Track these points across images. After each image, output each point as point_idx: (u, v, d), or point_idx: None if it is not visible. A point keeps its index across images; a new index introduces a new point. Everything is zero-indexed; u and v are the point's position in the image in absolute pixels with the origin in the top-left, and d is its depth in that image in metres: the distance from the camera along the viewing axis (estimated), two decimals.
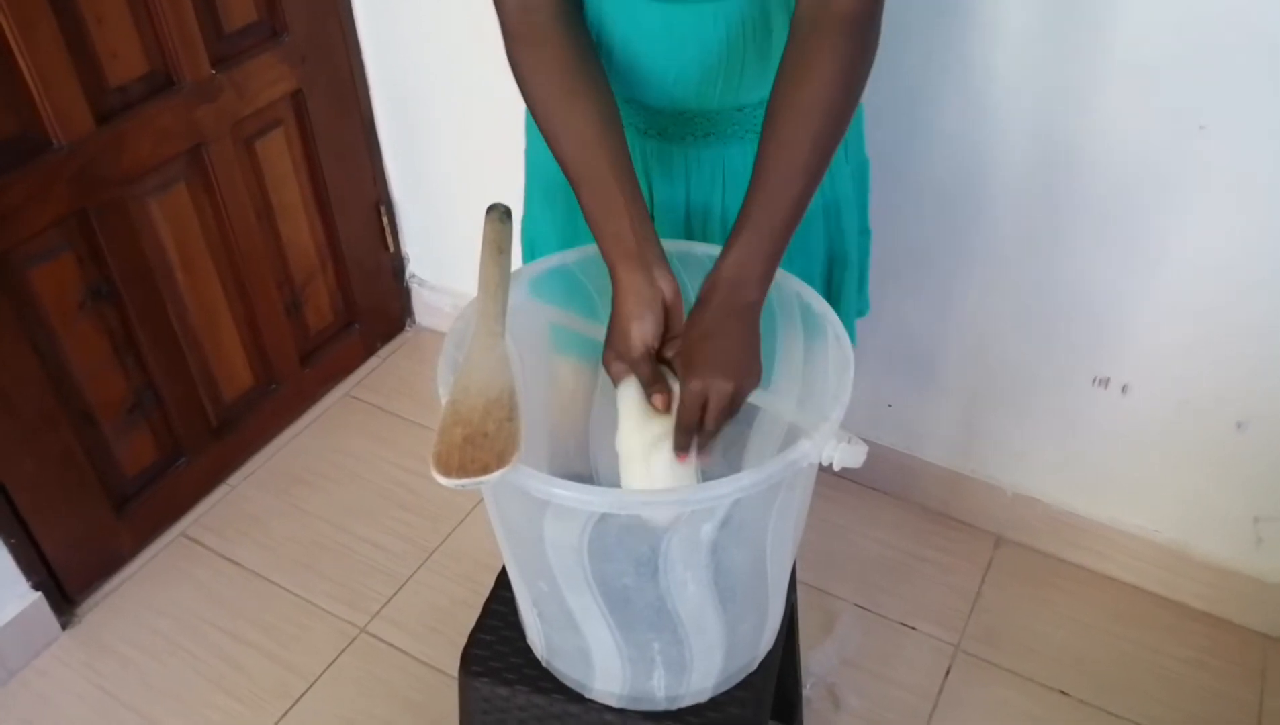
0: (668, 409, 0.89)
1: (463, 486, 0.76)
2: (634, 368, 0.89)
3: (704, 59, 0.96)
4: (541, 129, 0.93)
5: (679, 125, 1.03)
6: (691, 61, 0.97)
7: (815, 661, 1.58)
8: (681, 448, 0.87)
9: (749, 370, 0.86)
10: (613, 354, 0.91)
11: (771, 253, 0.86)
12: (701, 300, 0.87)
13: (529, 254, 1.22)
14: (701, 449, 0.88)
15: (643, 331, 0.88)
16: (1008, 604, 1.69)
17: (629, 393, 0.91)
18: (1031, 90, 1.36)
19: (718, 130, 1.03)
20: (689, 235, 1.10)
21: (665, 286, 0.89)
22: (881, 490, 1.87)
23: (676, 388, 0.89)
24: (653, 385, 0.89)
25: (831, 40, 0.84)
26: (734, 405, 0.86)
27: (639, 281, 0.88)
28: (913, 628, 1.66)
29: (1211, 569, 1.62)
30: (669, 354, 0.90)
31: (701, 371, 0.84)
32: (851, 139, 1.13)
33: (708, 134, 1.03)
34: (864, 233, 1.21)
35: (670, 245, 1.03)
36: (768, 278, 0.87)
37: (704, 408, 0.85)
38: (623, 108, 0.97)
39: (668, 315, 0.89)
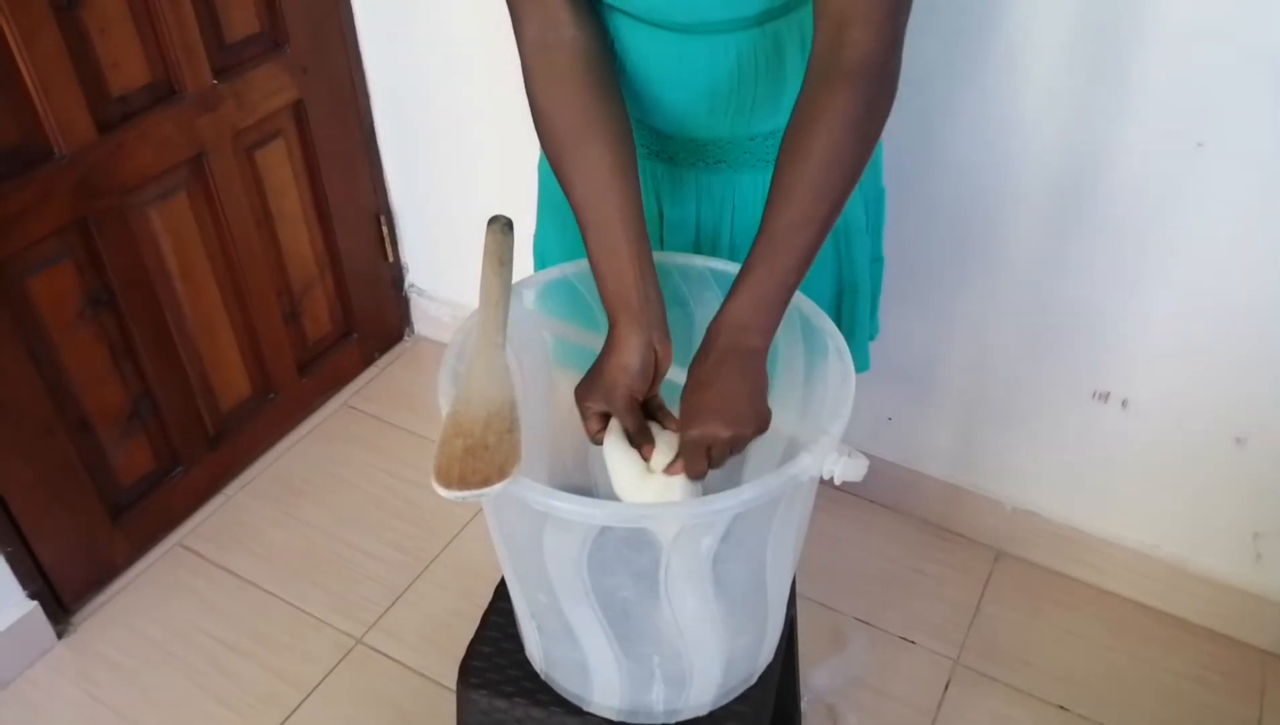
0: (649, 460, 0.90)
1: (463, 498, 0.75)
2: (619, 417, 0.90)
3: (714, 89, 0.95)
4: (554, 169, 0.92)
5: (689, 152, 1.03)
6: (702, 91, 0.95)
7: (814, 677, 1.58)
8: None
9: (749, 417, 0.85)
10: (597, 396, 0.90)
11: (777, 301, 0.85)
12: (704, 345, 0.86)
13: (540, 266, 1.21)
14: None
15: (631, 385, 0.89)
16: (1007, 618, 1.68)
17: (617, 450, 0.91)
18: (1036, 111, 1.36)
19: (729, 159, 1.02)
20: (698, 252, 1.09)
21: (660, 349, 0.89)
22: (881, 504, 1.87)
23: (660, 440, 0.91)
24: (639, 436, 0.90)
25: (842, 91, 0.81)
26: (735, 450, 0.86)
27: (637, 337, 0.88)
28: (912, 641, 1.65)
29: (1211, 584, 1.62)
30: (650, 405, 0.92)
31: (700, 420, 0.85)
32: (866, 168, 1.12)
33: (719, 161, 1.03)
34: (877, 261, 1.20)
35: (671, 257, 1.03)
36: (773, 325, 0.86)
37: (708, 457, 0.86)
38: (634, 130, 0.96)
39: (655, 373, 0.90)
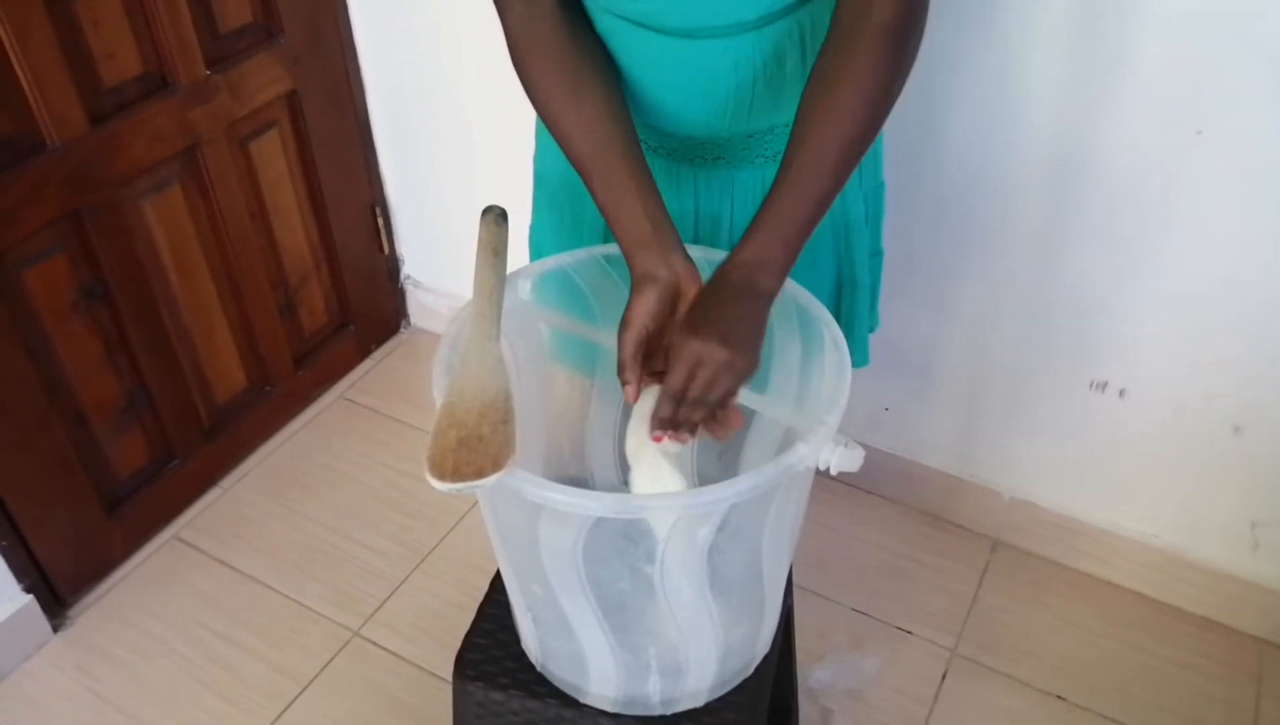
0: (633, 400, 0.87)
1: (457, 490, 0.75)
2: (619, 344, 0.88)
3: (711, 92, 0.95)
4: (552, 132, 0.93)
5: (687, 148, 1.02)
6: (699, 94, 0.95)
7: (813, 670, 1.58)
8: (662, 419, 0.84)
9: (751, 348, 0.82)
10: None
11: (792, 243, 0.85)
12: (715, 281, 0.85)
13: (535, 258, 1.20)
14: (679, 426, 0.84)
15: (642, 308, 0.87)
16: (1004, 608, 1.68)
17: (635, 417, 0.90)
18: (1035, 99, 1.35)
19: (727, 155, 1.02)
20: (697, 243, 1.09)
21: (681, 269, 0.88)
22: (879, 494, 1.87)
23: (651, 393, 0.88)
24: (626, 366, 0.87)
25: (872, 49, 0.82)
26: (726, 381, 0.81)
27: (651, 264, 0.88)
28: (909, 632, 1.65)
29: (1208, 573, 1.62)
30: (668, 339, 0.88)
31: (701, 333, 0.81)
32: (867, 162, 1.11)
33: (717, 158, 1.02)
34: (876, 255, 1.20)
35: None
36: (786, 269, 0.86)
37: (692, 375, 0.81)
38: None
39: (679, 300, 0.88)
